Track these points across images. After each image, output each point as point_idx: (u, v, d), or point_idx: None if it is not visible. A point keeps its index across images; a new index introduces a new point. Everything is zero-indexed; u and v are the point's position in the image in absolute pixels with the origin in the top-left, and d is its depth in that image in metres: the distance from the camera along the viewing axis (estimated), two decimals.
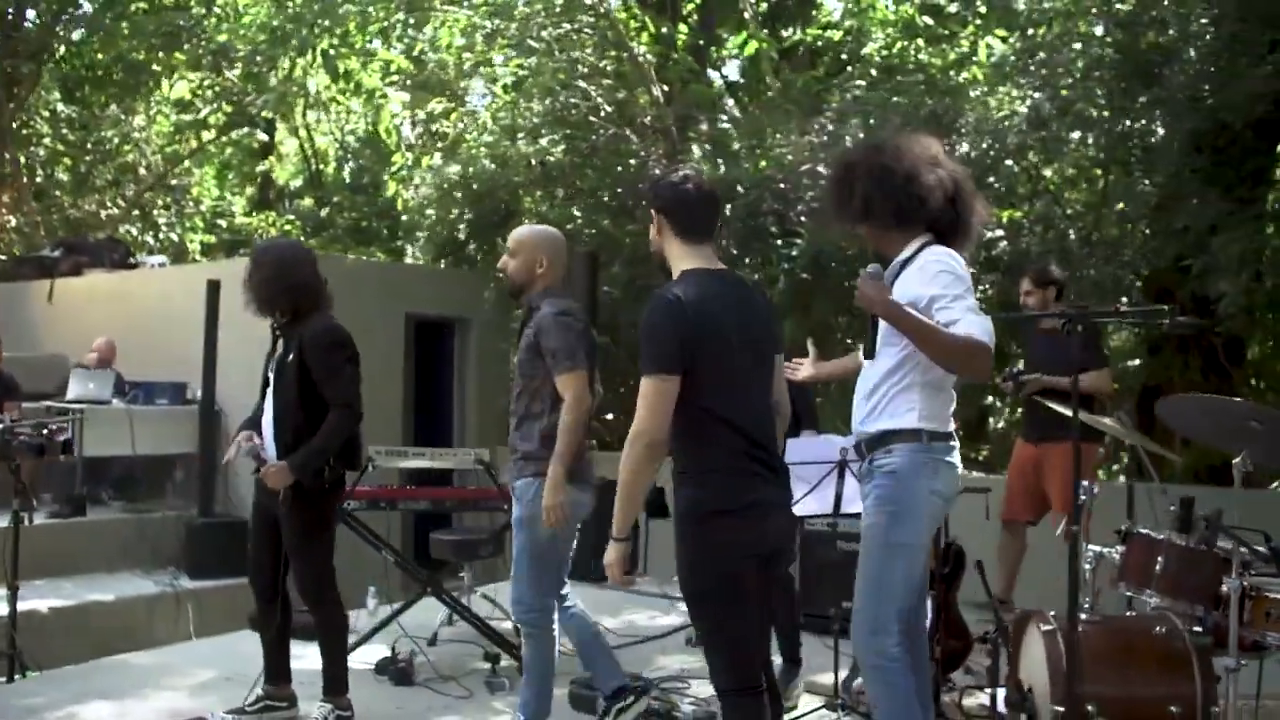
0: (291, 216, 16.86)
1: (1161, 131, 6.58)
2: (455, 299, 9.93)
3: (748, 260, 8.59)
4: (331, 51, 9.83)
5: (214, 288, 8.44)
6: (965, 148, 7.56)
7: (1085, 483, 4.29)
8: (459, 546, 6.12)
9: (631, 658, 5.72)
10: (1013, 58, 7.97)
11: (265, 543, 4.71)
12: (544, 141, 10.21)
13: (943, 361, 3.28)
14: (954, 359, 3.27)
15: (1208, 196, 6.50)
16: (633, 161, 9.78)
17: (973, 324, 3.20)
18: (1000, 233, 7.44)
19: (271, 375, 4.68)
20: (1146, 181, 7.01)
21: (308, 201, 18.59)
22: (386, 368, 9.33)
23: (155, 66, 14.25)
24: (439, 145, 10.75)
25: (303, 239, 16.51)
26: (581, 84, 10.70)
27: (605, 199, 9.71)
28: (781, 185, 8.49)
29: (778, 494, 3.22)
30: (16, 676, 5.72)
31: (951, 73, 10.79)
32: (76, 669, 5.86)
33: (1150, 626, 4.01)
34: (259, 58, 10.47)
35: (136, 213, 16.01)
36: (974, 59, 11.08)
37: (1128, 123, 6.88)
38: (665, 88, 10.61)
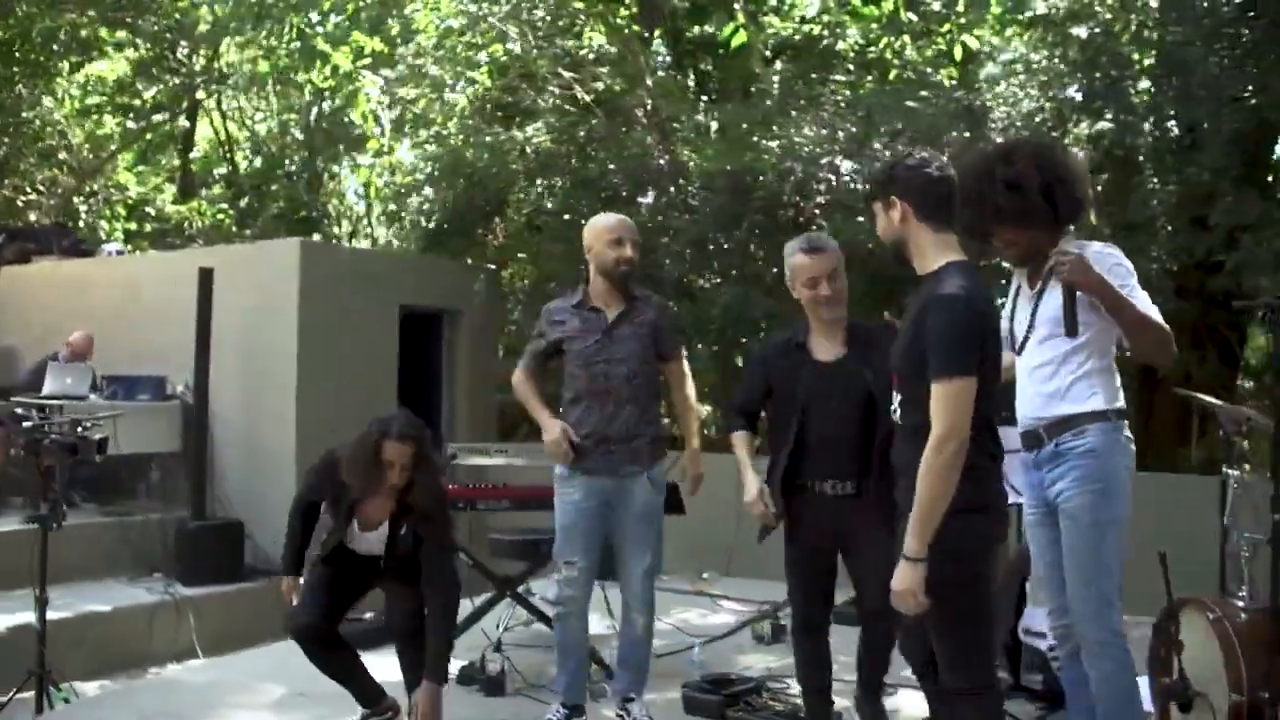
0: (225, 205, 16.10)
1: (1205, 126, 6.70)
2: (445, 290, 9.59)
3: (764, 252, 8.49)
4: (307, 30, 9.38)
5: (207, 276, 7.96)
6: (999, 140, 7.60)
7: (1234, 471, 4.33)
8: (522, 546, 5.87)
9: (709, 656, 5.56)
10: (1034, 55, 8.04)
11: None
12: (530, 129, 9.96)
13: (1140, 339, 3.33)
14: (1153, 339, 3.33)
15: (1247, 195, 6.65)
16: (637, 150, 9.57)
17: (1154, 309, 3.28)
18: None
19: None
20: (1174, 177, 7.14)
21: (216, 189, 17.85)
22: (380, 360, 8.96)
23: (80, 42, 13.41)
24: (419, 132, 10.35)
25: (234, 229, 15.85)
26: (565, 72, 10.48)
27: (606, 187, 9.48)
28: (800, 175, 8.41)
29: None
30: (46, 700, 5.26)
31: (930, 69, 10.98)
32: (119, 689, 5.45)
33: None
34: (225, 35, 9.92)
35: (53, 202, 15.09)
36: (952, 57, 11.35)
37: (1168, 120, 7.02)
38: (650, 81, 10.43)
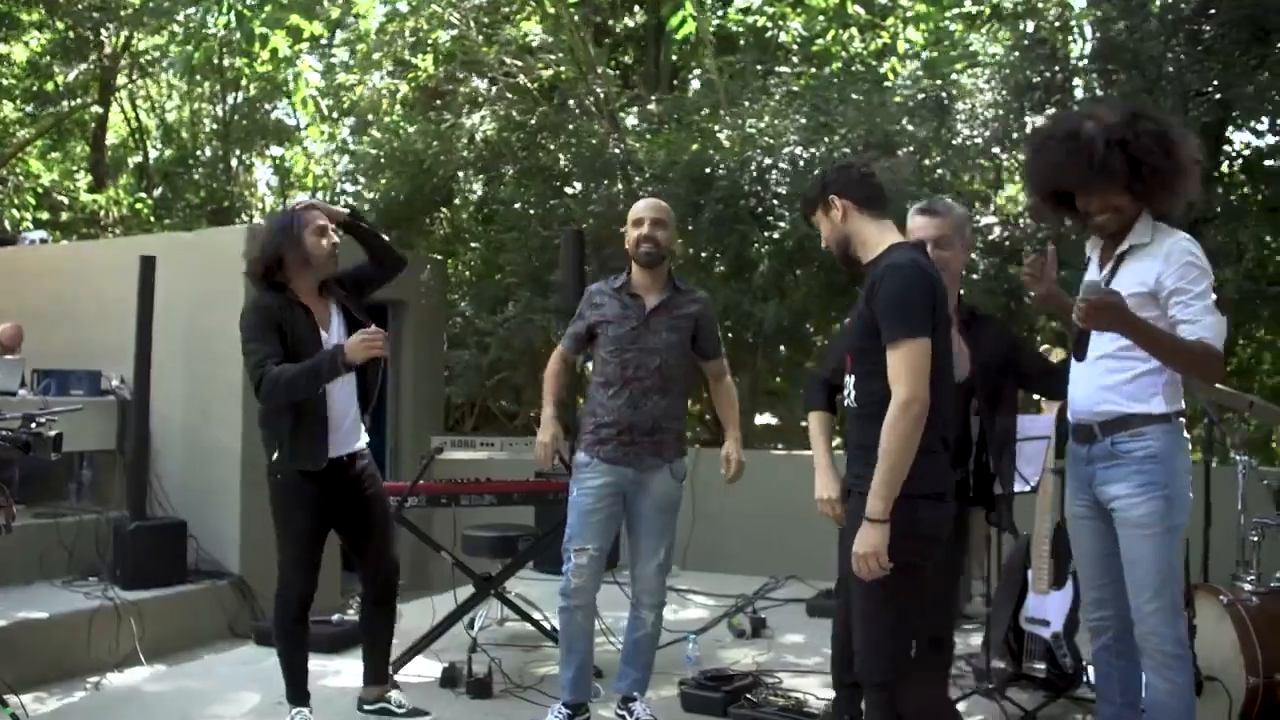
0: (142, 195, 15.48)
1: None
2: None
3: (724, 243, 8.39)
4: (246, 12, 8.99)
5: (149, 264, 7.57)
6: (965, 131, 7.64)
7: (1243, 457, 4.37)
8: (496, 543, 5.67)
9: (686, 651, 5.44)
10: (996, 49, 8.07)
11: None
12: (476, 117, 9.74)
13: (1174, 367, 3.24)
14: (1187, 366, 3.24)
15: (1208, 188, 6.74)
16: (588, 139, 9.40)
17: (1208, 326, 3.14)
18: (994, 219, 7.53)
19: None
20: None
21: (125, 179, 17.16)
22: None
23: None
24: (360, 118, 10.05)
25: (152, 219, 15.27)
26: (509, 59, 10.28)
27: (557, 176, 9.30)
28: (759, 166, 8.33)
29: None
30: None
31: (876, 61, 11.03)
32: (80, 702, 5.12)
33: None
34: (156, 17, 9.48)
35: None
36: (895, 51, 11.42)
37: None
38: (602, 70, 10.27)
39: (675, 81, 11.08)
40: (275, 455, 4.13)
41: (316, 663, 4.56)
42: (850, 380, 3.14)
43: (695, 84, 11.37)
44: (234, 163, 15.93)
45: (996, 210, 7.69)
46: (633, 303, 4.21)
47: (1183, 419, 3.35)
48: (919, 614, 3.02)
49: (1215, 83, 6.65)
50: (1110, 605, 3.44)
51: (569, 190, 8.82)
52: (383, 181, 9.59)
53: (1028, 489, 4.18)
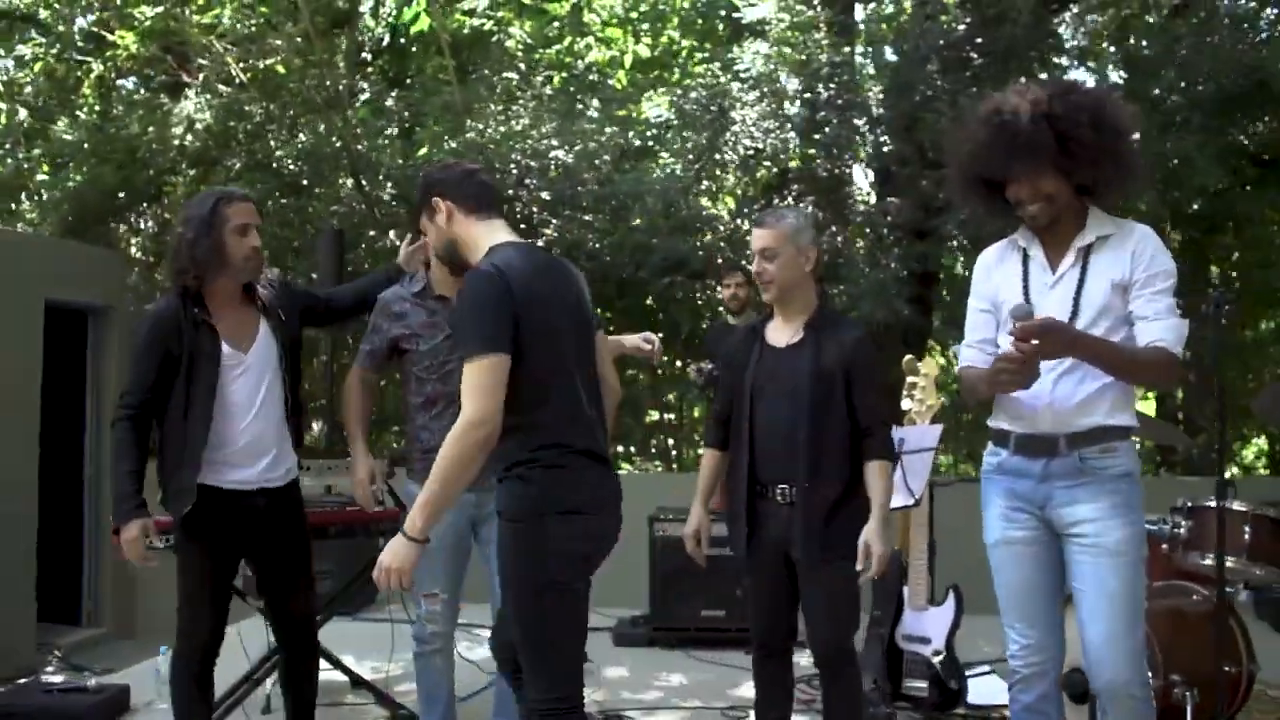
0: None
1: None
2: (94, 283, 7.96)
3: None
4: None
5: None
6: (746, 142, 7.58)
7: None
8: None
9: None
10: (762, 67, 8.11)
11: None
12: (190, 104, 8.64)
13: (1129, 379, 2.99)
14: (1140, 376, 3.04)
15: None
16: (313, 137, 8.57)
17: (1170, 328, 2.89)
18: None
19: None
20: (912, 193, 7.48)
21: None
22: (21, 362, 7.27)
23: None
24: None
25: None
26: (218, 45, 9.22)
27: (284, 172, 8.41)
28: (521, 169, 7.92)
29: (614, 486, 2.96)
30: None
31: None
32: None
33: (1189, 595, 4.23)
34: None
35: None
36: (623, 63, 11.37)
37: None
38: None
39: (409, 80, 10.40)
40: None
41: None
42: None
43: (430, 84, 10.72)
44: None
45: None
46: (441, 308, 3.67)
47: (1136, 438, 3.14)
48: (572, 633, 2.85)
49: None
50: (1050, 648, 3.09)
51: (319, 190, 7.96)
52: (83, 172, 8.25)
53: (911, 503, 4.03)
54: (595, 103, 9.86)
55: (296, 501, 3.65)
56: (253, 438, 3.48)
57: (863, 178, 9.05)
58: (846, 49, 7.95)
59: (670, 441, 12.08)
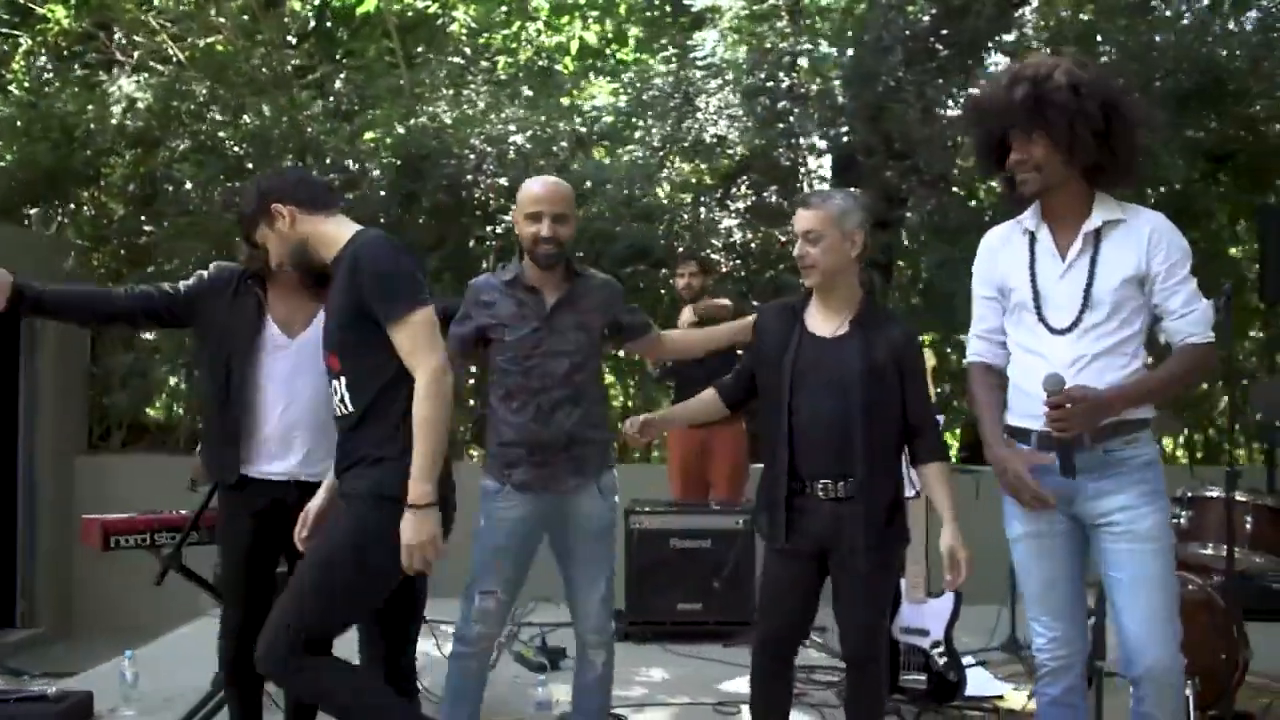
0: None
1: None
2: (26, 268, 7.56)
3: (443, 239, 7.68)
4: None
5: None
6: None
7: None
8: None
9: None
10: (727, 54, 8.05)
11: None
12: (128, 83, 8.29)
13: (1178, 393, 3.10)
14: (1186, 385, 3.08)
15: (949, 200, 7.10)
16: (257, 120, 8.28)
17: (1194, 321, 2.91)
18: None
19: None
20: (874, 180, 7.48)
21: None
22: None
23: None
24: None
25: None
26: (153, 22, 8.86)
27: (227, 153, 8.13)
28: (478, 155, 7.75)
29: None
30: None
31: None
32: None
33: (1185, 585, 4.23)
34: None
35: None
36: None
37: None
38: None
39: (340, 59, 10.12)
40: None
41: None
42: (340, 384, 2.93)
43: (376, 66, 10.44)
44: None
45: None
46: (530, 299, 3.49)
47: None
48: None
49: (950, 103, 7.00)
50: (1076, 640, 3.09)
51: (241, 171, 7.69)
52: (13, 151, 7.86)
53: (911, 495, 3.98)
54: (545, 89, 9.73)
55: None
56: (286, 426, 3.36)
57: (819, 166, 9.02)
58: (805, 39, 7.91)
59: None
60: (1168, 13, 7.20)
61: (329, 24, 10.43)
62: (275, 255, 3.06)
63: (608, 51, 11.93)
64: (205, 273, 3.51)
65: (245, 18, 8.66)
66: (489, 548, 3.45)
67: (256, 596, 3.38)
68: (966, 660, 5.01)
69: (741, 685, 5.12)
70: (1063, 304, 2.95)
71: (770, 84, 7.68)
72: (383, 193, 7.62)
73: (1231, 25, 7.38)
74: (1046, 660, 3.09)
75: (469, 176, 7.62)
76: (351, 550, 2.84)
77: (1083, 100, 2.87)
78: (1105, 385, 2.88)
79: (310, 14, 10.13)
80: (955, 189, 7.59)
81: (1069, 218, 2.99)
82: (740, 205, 8.10)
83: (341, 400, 2.94)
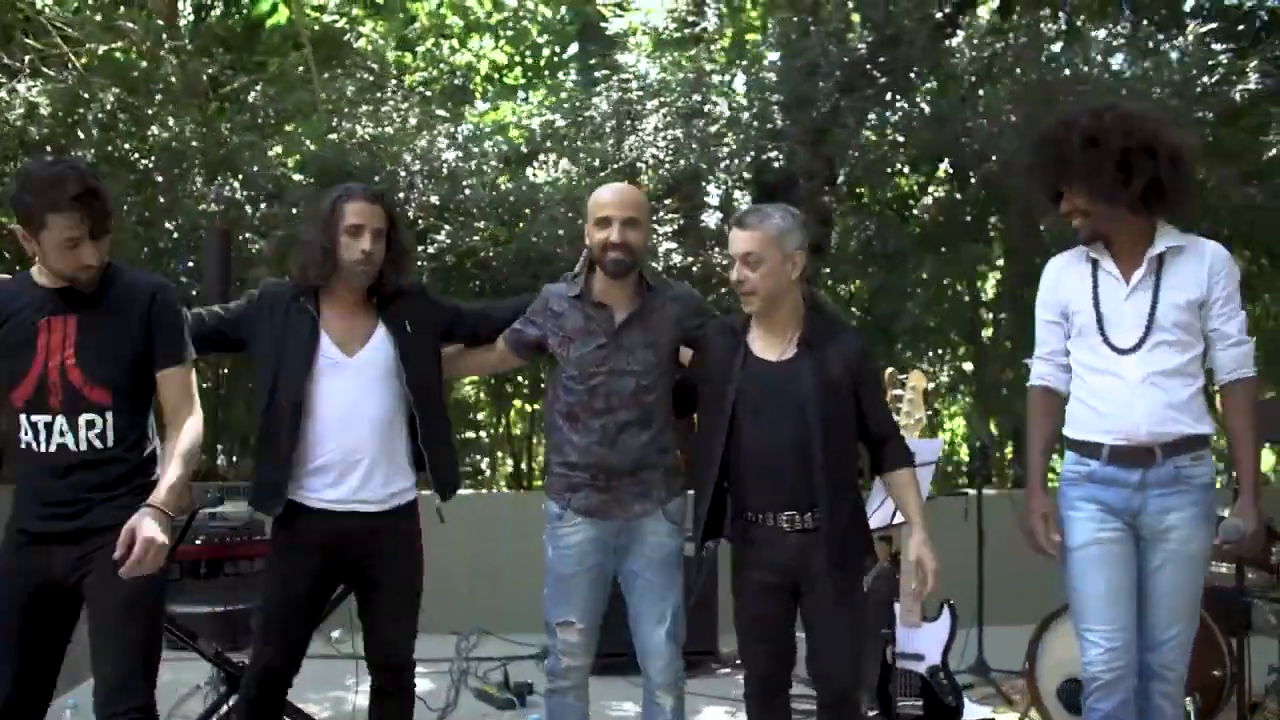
0: None
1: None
2: None
3: None
4: None
5: None
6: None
7: None
8: (221, 621, 4.33)
9: None
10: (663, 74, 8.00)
11: None
12: (26, 88, 7.77)
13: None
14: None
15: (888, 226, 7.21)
16: (164, 132, 7.88)
17: (1245, 355, 3.08)
18: None
19: None
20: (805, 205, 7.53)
21: None
22: None
23: None
24: None
25: None
26: (49, 27, 8.36)
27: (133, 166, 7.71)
28: (409, 173, 7.52)
29: None
30: None
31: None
32: None
33: None
34: None
35: None
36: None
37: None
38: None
39: (260, 76, 9.74)
40: None
41: None
42: (105, 419, 2.80)
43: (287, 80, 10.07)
44: None
45: None
46: (598, 314, 3.32)
47: None
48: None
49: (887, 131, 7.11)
50: (1132, 651, 3.10)
51: (180, 188, 7.30)
52: None
53: (901, 520, 3.94)
54: (457, 107, 9.56)
55: (401, 531, 3.25)
56: (345, 451, 3.12)
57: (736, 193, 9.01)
58: (742, 63, 7.93)
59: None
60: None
61: (238, 30, 10.04)
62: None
63: (517, 70, 11.87)
64: (254, 291, 3.31)
65: (159, 24, 8.21)
66: (557, 577, 3.31)
67: (297, 638, 3.16)
68: None
69: (713, 715, 5.07)
70: (1127, 325, 3.08)
71: (707, 107, 7.65)
72: (296, 209, 7.29)
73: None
74: (1101, 673, 3.09)
75: (400, 194, 7.34)
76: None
77: (1100, 153, 2.97)
78: (1175, 401, 3.03)
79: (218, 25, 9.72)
80: (889, 212, 7.70)
81: (1130, 246, 3.10)
82: (669, 229, 8.05)
83: (99, 435, 2.84)
